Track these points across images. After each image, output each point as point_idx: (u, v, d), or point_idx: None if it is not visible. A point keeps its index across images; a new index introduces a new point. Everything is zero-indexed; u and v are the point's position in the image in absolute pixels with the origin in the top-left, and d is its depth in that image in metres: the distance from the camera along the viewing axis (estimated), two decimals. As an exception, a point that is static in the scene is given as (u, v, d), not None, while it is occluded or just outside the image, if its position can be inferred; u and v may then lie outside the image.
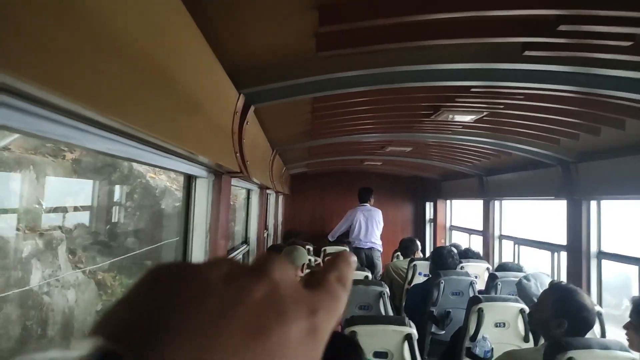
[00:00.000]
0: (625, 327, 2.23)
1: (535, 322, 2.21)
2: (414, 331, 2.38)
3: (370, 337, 2.34)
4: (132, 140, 1.07)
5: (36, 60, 0.60)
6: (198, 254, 1.71)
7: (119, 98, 0.85)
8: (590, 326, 2.02)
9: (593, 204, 3.48)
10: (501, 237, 5.46)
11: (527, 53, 1.56)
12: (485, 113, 2.63)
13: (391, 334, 2.38)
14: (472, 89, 2.18)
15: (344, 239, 6.73)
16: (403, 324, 2.41)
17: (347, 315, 3.03)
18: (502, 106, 2.46)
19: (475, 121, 2.87)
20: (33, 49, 0.59)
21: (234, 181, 2.55)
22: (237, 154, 1.74)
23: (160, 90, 1.07)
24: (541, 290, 3.17)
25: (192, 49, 1.26)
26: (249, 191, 3.48)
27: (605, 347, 1.90)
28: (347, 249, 5.85)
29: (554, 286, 2.21)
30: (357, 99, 2.42)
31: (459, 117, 2.81)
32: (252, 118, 2.07)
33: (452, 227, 7.34)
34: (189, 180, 1.69)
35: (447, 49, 1.72)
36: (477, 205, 5.98)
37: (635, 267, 3.12)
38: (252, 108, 1.88)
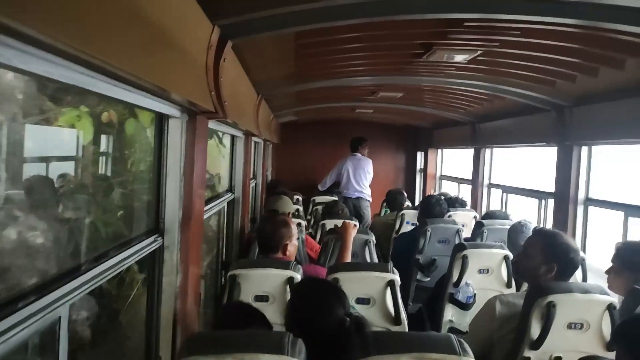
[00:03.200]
0: (607, 271, 2.25)
1: (522, 270, 2.22)
2: (396, 277, 2.36)
3: (353, 284, 2.32)
4: (99, 72, 0.98)
5: None
6: (172, 198, 1.63)
7: (82, 26, 0.80)
8: (576, 267, 2.04)
9: (584, 149, 3.42)
10: (490, 185, 5.45)
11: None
12: (479, 52, 2.50)
13: (374, 280, 2.36)
14: (466, 23, 2.04)
15: (334, 189, 6.70)
16: (386, 270, 2.38)
17: (331, 263, 3.04)
18: (497, 44, 2.33)
19: (469, 62, 2.74)
20: None
21: (215, 125, 2.44)
22: (213, 93, 1.62)
23: (126, 19, 0.98)
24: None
25: None
26: (233, 137, 3.36)
27: (585, 291, 1.91)
28: (337, 199, 5.84)
29: (540, 232, 2.21)
30: (343, 34, 2.27)
31: (452, 57, 2.67)
32: (231, 56, 1.93)
33: (442, 177, 7.33)
34: (161, 120, 1.58)
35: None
36: (467, 154, 5.95)
37: (621, 213, 3.12)
38: (229, 43, 1.74)
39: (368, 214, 6.44)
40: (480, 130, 5.19)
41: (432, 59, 2.72)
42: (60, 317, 0.94)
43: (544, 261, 2.01)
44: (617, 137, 2.90)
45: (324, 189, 6.75)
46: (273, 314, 2.18)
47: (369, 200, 6.50)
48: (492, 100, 4.12)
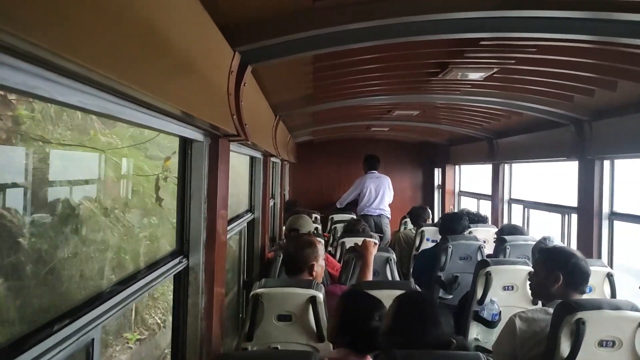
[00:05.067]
0: None
1: (535, 289, 2.26)
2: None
3: None
4: (124, 99, 1.03)
5: (28, 15, 0.60)
6: (196, 220, 1.66)
7: (109, 54, 0.84)
8: (584, 274, 2.04)
9: (606, 163, 3.38)
10: (510, 201, 5.38)
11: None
12: (495, 69, 2.51)
13: None
14: (482, 42, 2.06)
15: (350, 207, 6.73)
16: (409, 287, 2.38)
17: (352, 281, 3.04)
18: (513, 61, 2.34)
19: (485, 79, 2.75)
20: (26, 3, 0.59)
21: (235, 147, 2.49)
22: (234, 116, 1.66)
23: (150, 47, 1.02)
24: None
25: (181, 3, 1.18)
26: (253, 159, 3.41)
27: (616, 308, 1.87)
28: (354, 216, 5.87)
29: (540, 249, 2.23)
30: (359, 56, 2.31)
31: (467, 75, 2.69)
32: (251, 80, 1.98)
33: (461, 193, 7.27)
34: (184, 144, 1.62)
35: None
36: (486, 169, 5.90)
37: (650, 227, 3.05)
38: (249, 68, 1.79)
39: (388, 230, 6.46)
40: (498, 145, 5.16)
41: (448, 77, 2.74)
42: (93, 340, 0.96)
43: (549, 272, 2.06)
44: (637, 151, 2.85)
45: (342, 206, 6.79)
46: (296, 333, 2.18)
47: (389, 218, 6.54)
48: (509, 116, 4.10)
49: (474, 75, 2.77)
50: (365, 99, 3.38)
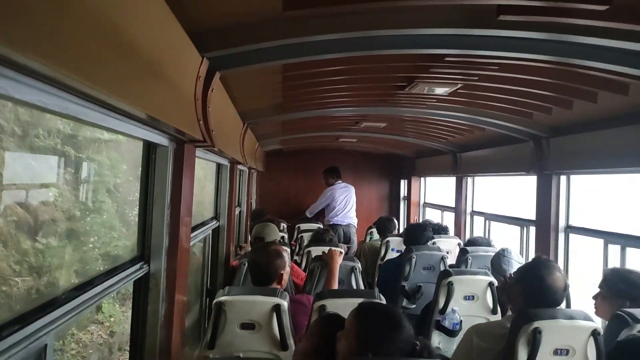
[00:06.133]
0: (594, 297, 2.30)
1: (501, 293, 2.28)
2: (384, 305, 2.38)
3: (340, 311, 2.32)
4: (87, 100, 1.00)
5: None
6: (158, 226, 1.63)
7: (71, 53, 0.82)
8: (547, 296, 1.99)
9: (563, 178, 3.52)
10: (473, 213, 5.52)
11: (502, 17, 1.51)
12: (459, 85, 2.59)
13: None
14: (446, 58, 2.13)
15: (317, 216, 6.81)
16: (373, 297, 2.39)
17: (317, 290, 3.03)
18: (476, 78, 2.42)
19: (450, 94, 2.83)
20: None
21: (201, 154, 2.46)
22: (201, 122, 1.65)
23: (115, 48, 1.01)
24: (510, 266, 3.26)
25: (149, 7, 1.17)
26: (219, 166, 3.38)
27: (570, 317, 1.94)
28: (321, 226, 5.91)
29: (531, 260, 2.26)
30: (328, 67, 2.34)
31: (433, 89, 2.76)
32: (219, 86, 1.97)
33: (426, 204, 7.41)
34: (149, 149, 1.60)
35: (421, 13, 1.65)
36: (450, 182, 6.05)
37: (601, 240, 3.19)
38: (217, 75, 1.78)
39: (355, 239, 6.59)
40: (461, 159, 5.30)
41: (414, 91, 2.81)
42: (46, 345, 0.93)
43: (515, 282, 2.11)
44: (593, 167, 2.99)
45: (312, 215, 6.86)
46: (259, 342, 2.16)
47: (355, 227, 6.68)
48: (472, 131, 4.23)
49: (439, 90, 2.85)
50: (334, 110, 3.42)
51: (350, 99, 3.17)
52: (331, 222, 6.53)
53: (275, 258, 2.46)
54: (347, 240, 6.38)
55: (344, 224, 6.56)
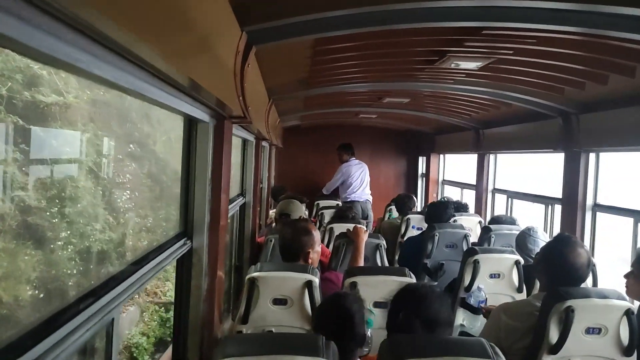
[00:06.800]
0: (626, 275, 2.27)
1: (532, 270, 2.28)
2: (414, 281, 2.39)
3: (371, 288, 2.34)
4: (139, 68, 0.98)
5: None
6: (200, 202, 1.64)
7: (125, 21, 0.79)
8: (570, 273, 2.01)
9: (592, 156, 3.46)
10: (495, 190, 5.48)
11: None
12: (492, 59, 2.53)
13: (391, 284, 2.37)
14: (484, 31, 2.07)
15: (334, 193, 6.84)
16: (404, 274, 2.41)
17: (343, 266, 3.05)
18: (511, 51, 2.36)
19: (481, 69, 2.77)
20: None
21: (234, 130, 2.46)
22: (240, 98, 1.64)
23: (169, 18, 0.99)
24: (536, 245, 3.25)
25: None
26: (244, 142, 3.38)
27: (603, 296, 1.93)
28: (339, 203, 5.95)
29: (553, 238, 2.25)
30: (360, 41, 2.29)
31: (464, 64, 2.70)
32: (253, 61, 1.95)
33: (445, 182, 7.37)
34: (190, 125, 1.59)
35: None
36: (469, 158, 6.00)
37: (631, 219, 3.15)
38: (253, 49, 1.76)
39: (372, 214, 6.61)
40: (484, 135, 5.23)
41: (443, 66, 2.75)
42: (113, 319, 0.95)
43: (540, 260, 2.15)
44: (626, 144, 2.93)
45: (328, 192, 6.88)
46: (291, 317, 2.19)
47: (371, 203, 6.72)
48: (498, 107, 4.15)
49: (469, 65, 2.78)
50: (359, 85, 3.37)
51: (376, 74, 3.12)
52: (349, 199, 6.56)
53: (303, 235, 2.47)
54: (364, 216, 6.44)
55: (362, 200, 6.61)
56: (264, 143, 4.12)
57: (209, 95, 1.33)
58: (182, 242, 1.55)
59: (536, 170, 5.51)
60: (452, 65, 2.74)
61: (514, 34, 2.10)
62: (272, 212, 5.75)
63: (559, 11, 1.77)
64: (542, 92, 3.16)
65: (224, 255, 1.90)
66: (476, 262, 2.92)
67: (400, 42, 2.44)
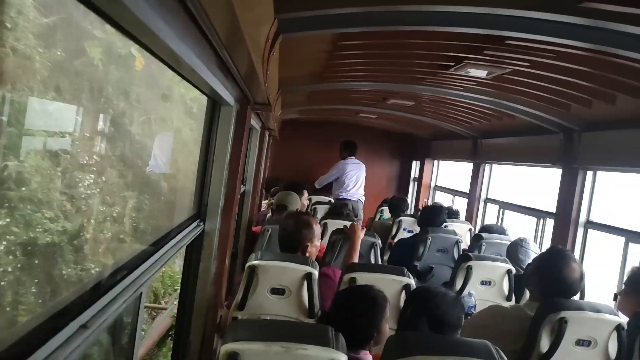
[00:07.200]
0: (619, 293, 2.34)
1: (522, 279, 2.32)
2: (412, 282, 2.41)
3: (369, 284, 2.36)
4: (174, 36, 0.96)
5: None
6: (216, 185, 1.63)
7: None
8: (563, 287, 2.03)
9: (589, 174, 3.52)
10: (487, 200, 5.54)
11: (585, 5, 1.47)
12: (508, 70, 2.55)
13: (390, 284, 2.39)
14: (507, 41, 2.09)
15: (326, 189, 6.85)
16: (402, 274, 2.43)
17: (337, 262, 3.06)
18: (528, 64, 2.38)
19: (493, 78, 2.79)
20: None
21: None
22: (266, 85, 1.63)
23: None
24: (527, 256, 3.31)
25: None
26: (250, 130, 3.36)
27: (596, 310, 1.98)
28: (332, 200, 5.97)
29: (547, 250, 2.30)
30: (381, 39, 2.30)
31: (477, 72, 2.71)
32: (277, 50, 1.94)
33: (437, 187, 7.43)
34: (213, 106, 1.58)
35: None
36: (461, 166, 6.06)
37: (622, 238, 3.22)
38: (280, 37, 1.75)
39: (362, 215, 6.63)
40: (482, 145, 5.28)
41: (458, 73, 2.76)
42: (141, 294, 0.95)
43: (532, 272, 2.18)
44: (626, 165, 2.98)
45: (320, 187, 6.89)
46: (288, 307, 2.20)
47: (363, 202, 6.73)
48: (500, 117, 4.19)
49: (481, 73, 2.80)
50: (369, 83, 3.37)
51: (388, 74, 3.13)
52: (341, 197, 6.58)
53: (304, 227, 2.48)
54: (354, 215, 6.47)
55: (354, 199, 6.63)
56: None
57: (239, 77, 1.32)
58: (195, 224, 1.54)
59: (526, 183, 5.59)
60: (467, 72, 2.75)
61: (535, 47, 2.12)
62: (264, 203, 5.74)
63: (577, 26, 1.79)
64: (548, 107, 3.20)
65: (232, 241, 1.89)
66: (469, 268, 2.97)
67: (418, 44, 2.45)
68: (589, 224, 3.56)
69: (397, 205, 5.28)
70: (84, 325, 0.71)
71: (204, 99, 1.51)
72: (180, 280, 1.60)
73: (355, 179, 6.66)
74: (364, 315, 1.75)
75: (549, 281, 2.05)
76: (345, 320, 1.69)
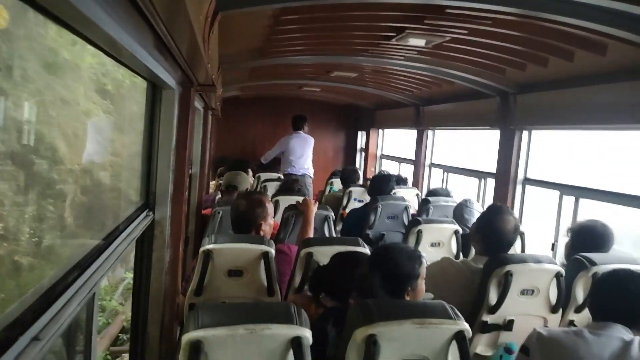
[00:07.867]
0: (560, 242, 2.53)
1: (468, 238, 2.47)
2: (367, 251, 2.46)
3: (327, 258, 2.39)
4: (109, 17, 0.90)
5: None
6: (163, 172, 1.57)
7: None
8: (500, 239, 2.22)
9: (525, 133, 3.71)
10: (432, 165, 5.73)
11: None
12: (447, 38, 2.60)
13: None
14: (447, 10, 2.12)
15: (274, 165, 6.79)
16: (358, 244, 2.48)
17: (291, 238, 3.07)
18: (466, 31, 2.44)
19: (433, 47, 2.84)
20: None
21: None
22: (208, 65, 1.57)
23: None
24: (472, 215, 3.49)
25: None
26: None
27: (538, 261, 2.14)
28: (281, 176, 5.93)
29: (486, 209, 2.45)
30: (321, 13, 2.26)
31: (418, 42, 2.75)
32: (216, 28, 1.86)
33: (383, 156, 7.57)
34: (154, 91, 1.50)
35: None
36: (405, 134, 6.20)
37: (557, 192, 3.44)
38: (219, 16, 1.68)
39: (311, 189, 6.63)
40: (424, 112, 5.41)
41: (399, 43, 2.79)
42: (94, 294, 0.90)
43: (475, 230, 2.32)
44: (559, 123, 3.16)
45: (266, 162, 6.83)
46: (246, 288, 2.19)
47: (311, 177, 6.71)
48: (440, 85, 4.30)
49: (420, 42, 2.84)
50: (312, 57, 3.34)
51: (331, 47, 3.10)
52: (287, 172, 6.54)
53: (257, 206, 2.46)
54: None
55: (299, 174, 6.57)
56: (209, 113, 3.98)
57: (181, 59, 1.26)
58: (144, 214, 1.49)
59: (469, 147, 5.82)
60: (408, 42, 2.78)
61: (473, 14, 2.17)
62: (212, 184, 5.62)
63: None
64: (485, 72, 3.31)
65: (184, 227, 1.84)
66: (419, 232, 3.08)
67: (359, 16, 2.44)
68: (527, 181, 3.77)
69: (348, 177, 5.34)
70: (35, 338, 0.66)
71: (118, 74, 1.41)
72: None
73: (300, 153, 6.59)
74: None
75: (488, 234, 2.22)
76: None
